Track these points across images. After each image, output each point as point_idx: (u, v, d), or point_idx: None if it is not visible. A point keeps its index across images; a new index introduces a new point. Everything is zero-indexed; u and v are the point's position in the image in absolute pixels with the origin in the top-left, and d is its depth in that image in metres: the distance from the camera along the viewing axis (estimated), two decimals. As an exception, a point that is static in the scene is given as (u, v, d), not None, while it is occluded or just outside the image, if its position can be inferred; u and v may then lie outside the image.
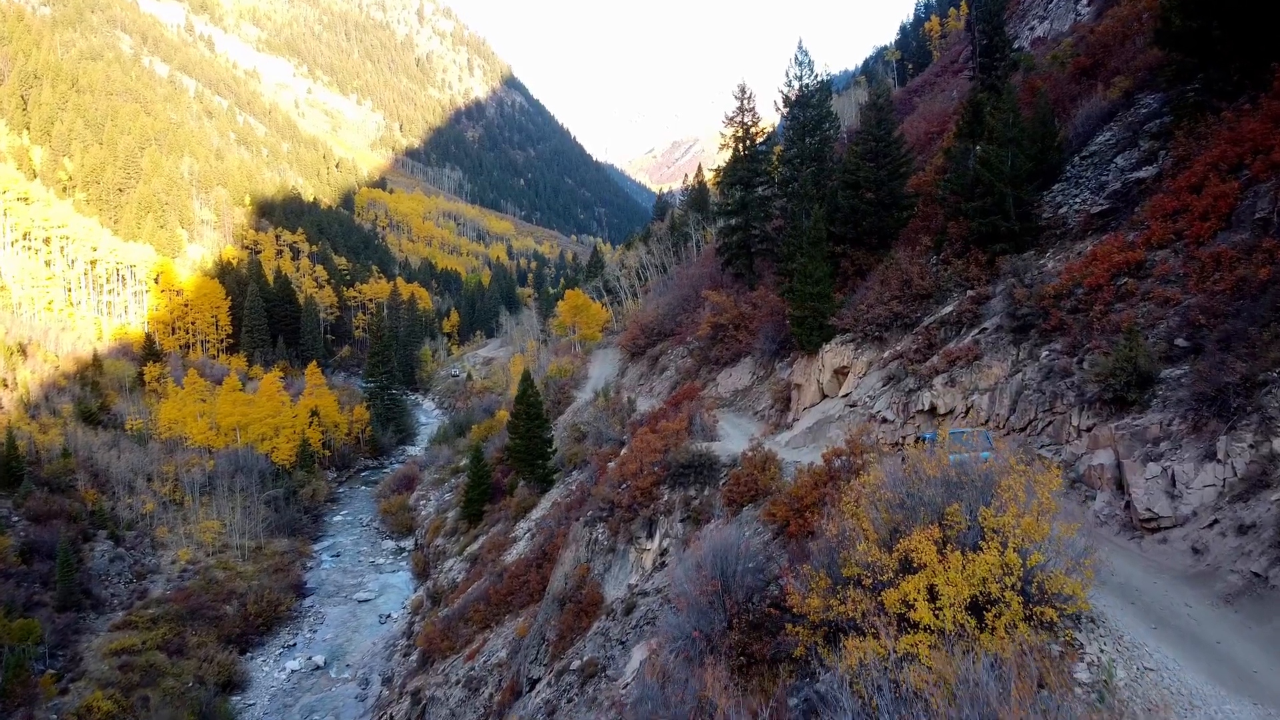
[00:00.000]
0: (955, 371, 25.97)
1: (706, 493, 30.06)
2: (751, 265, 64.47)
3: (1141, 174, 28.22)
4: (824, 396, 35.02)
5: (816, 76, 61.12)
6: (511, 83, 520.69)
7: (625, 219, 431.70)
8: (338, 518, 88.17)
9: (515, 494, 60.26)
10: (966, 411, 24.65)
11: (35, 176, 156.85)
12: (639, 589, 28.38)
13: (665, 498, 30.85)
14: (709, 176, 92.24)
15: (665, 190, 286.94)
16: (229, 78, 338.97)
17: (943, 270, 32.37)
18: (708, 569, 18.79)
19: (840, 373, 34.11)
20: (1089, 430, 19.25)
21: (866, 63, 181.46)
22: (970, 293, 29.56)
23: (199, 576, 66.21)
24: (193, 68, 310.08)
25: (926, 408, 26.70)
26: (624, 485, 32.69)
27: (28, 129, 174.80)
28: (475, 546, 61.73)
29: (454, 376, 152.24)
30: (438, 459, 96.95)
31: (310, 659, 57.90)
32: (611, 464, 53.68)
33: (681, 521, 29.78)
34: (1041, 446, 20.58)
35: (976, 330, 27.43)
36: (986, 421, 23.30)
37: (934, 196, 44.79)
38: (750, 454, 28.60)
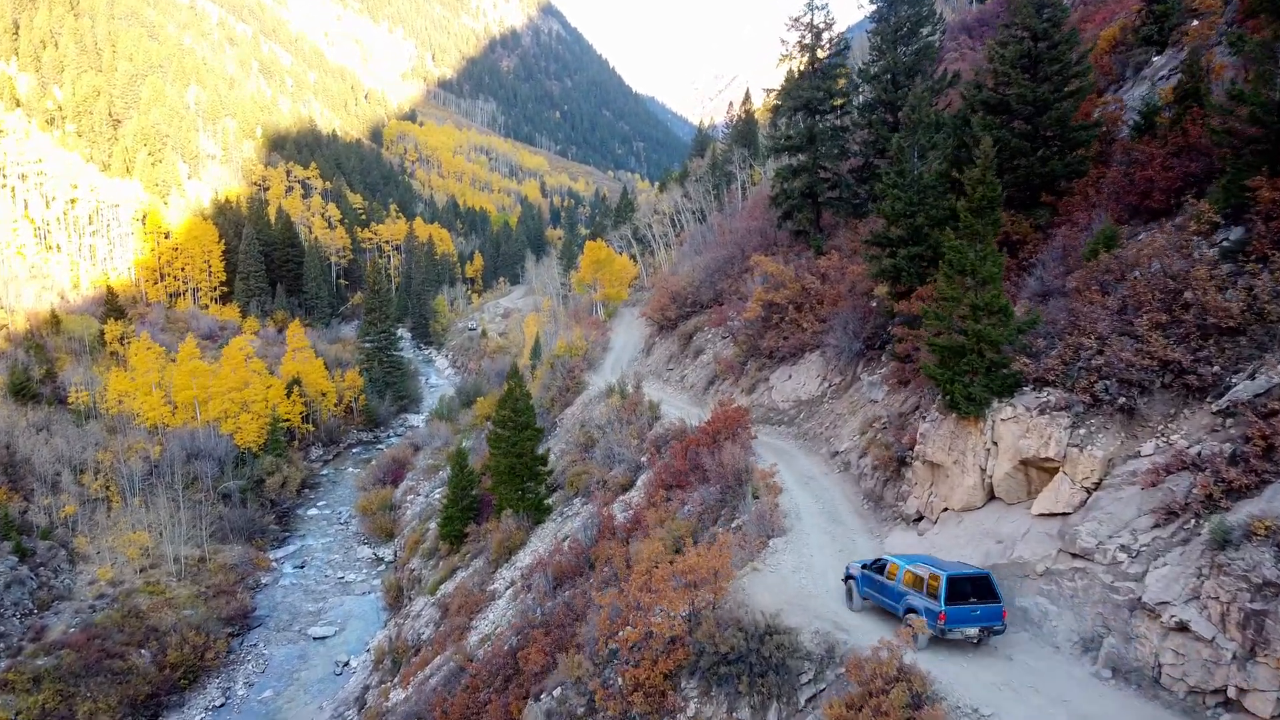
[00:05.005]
0: None
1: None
2: (818, 220, 48.44)
3: None
4: (992, 497, 19.61)
5: (914, -39, 44.65)
6: (548, 10, 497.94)
7: (665, 154, 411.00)
8: (313, 510, 74.75)
9: (500, 524, 45.72)
10: None
11: (17, 106, 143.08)
12: None
13: (691, 712, 15.81)
14: (760, 103, 75.31)
15: (707, 124, 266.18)
16: (254, 3, 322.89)
17: (1254, 277, 16.44)
18: None
19: (1036, 467, 18.59)
20: None
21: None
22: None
23: (117, 605, 52.98)
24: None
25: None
26: (616, 664, 17.72)
27: (16, 55, 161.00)
28: (450, 586, 47.79)
29: (470, 330, 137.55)
30: (436, 438, 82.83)
31: (234, 733, 44.69)
32: (619, 503, 38.84)
33: (721, 776, 14.80)
34: None
35: None
36: None
37: (1136, 129, 28.47)
38: (871, 673, 13.39)
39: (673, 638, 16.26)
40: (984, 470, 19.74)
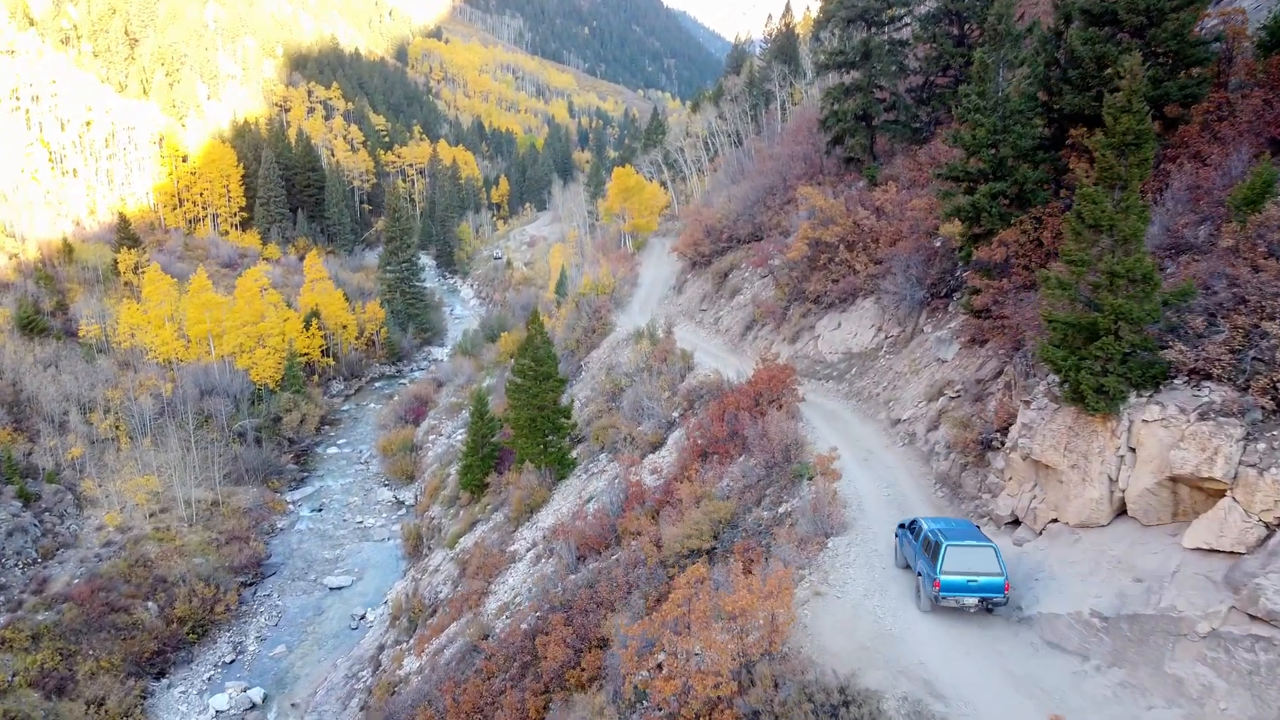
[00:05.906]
0: None
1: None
2: (872, 147, 43.46)
3: None
4: (1120, 513, 15.63)
5: None
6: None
7: (697, 72, 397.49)
8: (332, 449, 72.26)
9: (521, 476, 42.50)
10: None
11: (31, 25, 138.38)
12: None
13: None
14: (801, 15, 69.29)
15: (743, 39, 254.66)
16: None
17: None
18: None
19: (1191, 486, 14.50)
20: None
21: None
22: None
23: (124, 554, 50.85)
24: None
25: None
26: (645, 710, 14.21)
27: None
28: (469, 540, 44.99)
29: (496, 259, 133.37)
30: (459, 374, 79.68)
31: (245, 692, 42.56)
32: (648, 465, 35.24)
33: None
34: None
35: None
36: None
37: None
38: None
39: (722, 705, 12.73)
40: (1113, 481, 15.71)
